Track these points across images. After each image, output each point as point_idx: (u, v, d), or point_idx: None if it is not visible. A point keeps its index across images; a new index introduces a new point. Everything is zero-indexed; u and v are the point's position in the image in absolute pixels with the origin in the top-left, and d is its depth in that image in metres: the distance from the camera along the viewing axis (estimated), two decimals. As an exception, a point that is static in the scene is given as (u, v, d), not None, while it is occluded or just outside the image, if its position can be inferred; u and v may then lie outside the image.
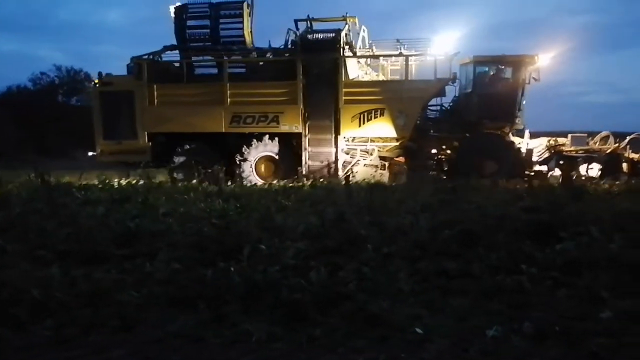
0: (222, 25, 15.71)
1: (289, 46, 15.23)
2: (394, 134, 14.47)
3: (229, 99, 14.82)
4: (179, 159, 15.16)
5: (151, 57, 15.69)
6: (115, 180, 12.10)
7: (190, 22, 15.85)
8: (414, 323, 3.53)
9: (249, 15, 15.57)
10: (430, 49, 14.80)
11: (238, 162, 14.85)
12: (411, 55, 14.73)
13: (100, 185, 11.30)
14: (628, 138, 14.96)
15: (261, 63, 15.93)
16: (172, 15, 15.82)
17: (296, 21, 15.32)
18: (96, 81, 15.78)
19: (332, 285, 4.08)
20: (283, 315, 3.64)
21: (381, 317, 3.55)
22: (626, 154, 14.56)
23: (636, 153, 14.67)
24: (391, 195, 9.65)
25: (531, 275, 4.42)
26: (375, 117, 14.40)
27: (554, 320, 3.61)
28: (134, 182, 11.75)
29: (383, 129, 14.45)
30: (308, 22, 15.26)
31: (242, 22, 15.49)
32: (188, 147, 15.29)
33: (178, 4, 15.75)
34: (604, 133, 15.13)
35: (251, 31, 15.71)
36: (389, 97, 14.34)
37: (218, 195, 9.50)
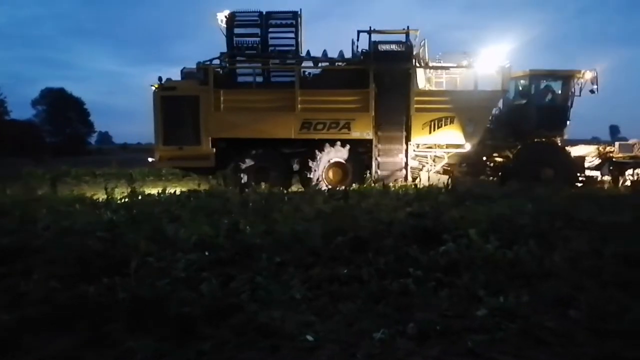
0: (271, 35, 15.73)
1: (358, 56, 15.50)
2: (463, 141, 15.11)
3: (299, 106, 14.89)
4: (246, 165, 15.02)
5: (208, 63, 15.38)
6: None
7: (238, 30, 15.77)
8: (305, 330, 3.57)
9: (300, 26, 15.65)
10: (486, 61, 15.36)
11: (310, 168, 14.90)
12: (478, 68, 15.28)
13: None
14: None
15: (330, 71, 15.73)
16: (220, 22, 15.62)
17: (359, 32, 15.63)
18: (156, 85, 15.02)
19: (224, 296, 4.02)
20: (171, 331, 3.51)
21: (272, 327, 3.55)
22: None
23: None
24: (288, 202, 9.71)
25: (416, 278, 4.65)
26: (445, 125, 15.03)
27: (435, 319, 3.80)
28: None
29: (452, 136, 15.06)
30: (369, 33, 15.40)
31: (293, 32, 15.59)
32: (255, 152, 15.08)
33: (227, 11, 15.60)
34: (632, 140, 16.74)
35: (301, 41, 15.71)
36: (459, 106, 14.97)
37: (106, 206, 9.00)
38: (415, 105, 14.94)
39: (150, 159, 15.81)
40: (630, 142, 16.86)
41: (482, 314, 3.91)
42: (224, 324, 3.64)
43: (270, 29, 15.62)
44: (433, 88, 16.38)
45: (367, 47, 15.38)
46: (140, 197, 10.23)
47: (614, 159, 16.37)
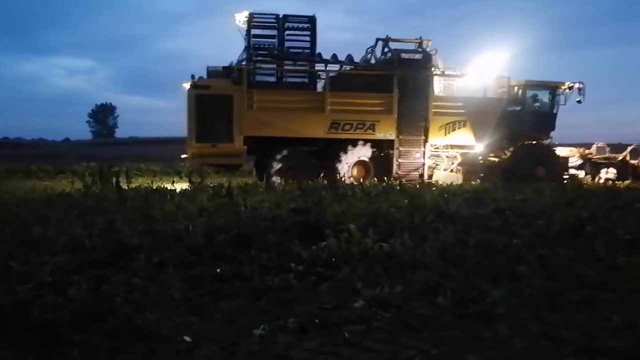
0: (288, 37, 16.45)
1: (374, 62, 16.90)
2: (473, 142, 16.88)
3: (328, 107, 15.75)
4: (277, 162, 15.58)
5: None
6: None
7: (255, 31, 16.46)
8: (183, 331, 3.49)
9: (315, 29, 16.55)
10: (486, 70, 17.11)
11: (338, 165, 15.84)
12: (488, 76, 17.03)
13: None
14: (629, 148, 18.87)
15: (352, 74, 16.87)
16: (238, 23, 16.25)
17: (377, 39, 16.93)
18: (189, 83, 15.28)
19: (95, 300, 3.81)
20: (34, 340, 3.26)
21: (148, 329, 3.43)
22: (632, 162, 18.33)
23: (634, 160, 18.49)
24: (170, 200, 9.41)
25: (298, 273, 4.74)
26: (458, 128, 16.67)
27: (315, 313, 3.90)
28: None
29: (465, 138, 16.80)
30: (385, 42, 16.87)
31: (309, 35, 16.49)
32: (287, 151, 15.67)
33: (246, 12, 16.16)
34: (600, 144, 19.12)
35: (315, 44, 16.59)
36: (471, 110, 16.57)
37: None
38: (434, 110, 16.41)
39: (183, 156, 16.27)
40: (600, 144, 19.24)
41: (359, 306, 4.08)
42: (95, 329, 3.44)
43: (287, 32, 16.42)
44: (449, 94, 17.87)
45: (383, 54, 16.81)
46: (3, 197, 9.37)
47: (592, 160, 18.65)
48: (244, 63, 16.19)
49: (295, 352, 3.28)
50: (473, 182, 16.00)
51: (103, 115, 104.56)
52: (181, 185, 12.49)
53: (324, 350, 3.31)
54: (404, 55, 16.60)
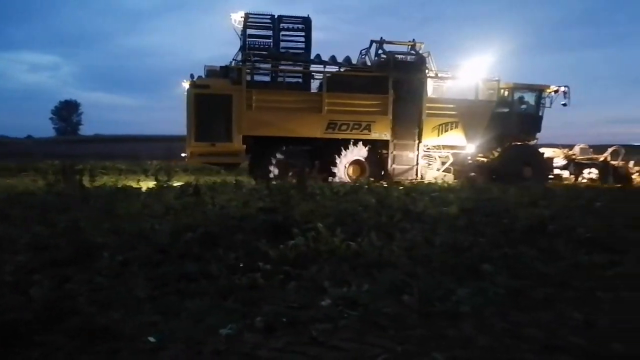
0: (283, 38, 16.79)
1: (372, 64, 17.23)
2: (465, 143, 17.51)
3: (325, 108, 16.11)
4: (276, 161, 15.94)
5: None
6: None
7: (250, 31, 16.67)
8: (148, 331, 3.43)
9: (310, 31, 16.88)
10: (474, 72, 17.63)
11: (334, 164, 16.28)
12: (478, 79, 17.57)
13: None
14: (609, 149, 19.64)
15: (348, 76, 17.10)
16: (234, 23, 16.57)
17: (371, 42, 17.30)
18: (189, 82, 15.39)
19: (57, 299, 3.71)
20: (-8, 341, 3.15)
21: (112, 329, 3.36)
22: (613, 163, 19.16)
23: (615, 161, 19.36)
24: (136, 199, 9.26)
25: (265, 272, 4.71)
26: (451, 129, 17.24)
27: (283, 312, 3.89)
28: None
29: (457, 138, 17.41)
30: (379, 44, 17.26)
31: (303, 36, 16.86)
32: (285, 150, 16.05)
33: (241, 12, 16.41)
34: (583, 145, 19.80)
35: (310, 45, 16.96)
36: (463, 112, 17.19)
37: None
38: (427, 111, 16.94)
39: (183, 155, 16.31)
40: (583, 145, 19.93)
41: (327, 304, 4.08)
42: (57, 329, 3.35)
43: (282, 32, 16.75)
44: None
45: (377, 56, 17.26)
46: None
47: (575, 161, 19.28)
48: (239, 63, 16.48)
49: (262, 351, 3.26)
50: (456, 182, 16.54)
51: (67, 112, 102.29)
52: (147, 184, 12.30)
53: (290, 349, 3.30)
54: (399, 58, 17.11)
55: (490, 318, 3.91)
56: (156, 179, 12.16)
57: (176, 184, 11.73)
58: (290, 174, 14.32)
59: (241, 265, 4.94)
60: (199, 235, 5.80)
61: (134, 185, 12.29)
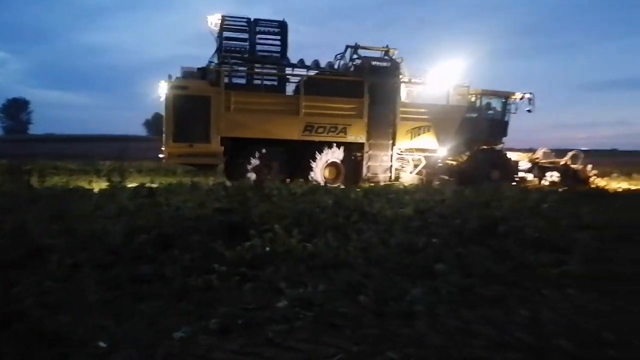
0: (259, 41, 17.00)
1: (348, 68, 17.53)
2: (437, 146, 18.01)
3: (303, 110, 16.31)
4: (253, 163, 15.99)
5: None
6: None
7: (227, 34, 16.77)
8: (99, 335, 3.35)
9: (286, 35, 17.08)
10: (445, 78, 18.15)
11: (312, 167, 16.46)
12: (449, 85, 18.12)
13: None
14: (569, 154, 20.46)
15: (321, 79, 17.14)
16: (210, 25, 16.56)
17: (346, 47, 17.66)
18: (167, 83, 15.37)
19: (3, 304, 3.57)
20: None
21: (60, 334, 3.26)
22: (573, 166, 19.94)
23: (574, 164, 20.14)
24: (88, 200, 8.99)
25: (221, 273, 4.68)
26: (423, 133, 17.79)
27: (238, 313, 3.87)
28: None
29: (429, 142, 17.96)
30: (354, 49, 17.60)
31: (279, 40, 17.06)
32: (263, 152, 16.09)
33: (218, 15, 16.45)
34: (546, 149, 20.71)
35: (286, 49, 17.13)
36: (435, 117, 17.73)
37: None
38: (401, 115, 17.42)
39: (161, 156, 16.14)
40: (546, 150, 20.83)
41: (283, 305, 4.08)
42: (3, 335, 3.23)
43: (258, 36, 17.02)
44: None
45: (351, 61, 17.60)
46: None
47: (539, 164, 20.09)
48: (215, 64, 16.54)
49: (217, 353, 3.24)
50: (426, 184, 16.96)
51: (15, 110, 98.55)
52: (100, 185, 11.96)
53: (245, 351, 3.29)
54: (374, 63, 17.49)
55: (443, 316, 4.01)
56: (109, 180, 11.85)
57: (130, 185, 11.47)
58: (268, 176, 14.46)
59: (196, 267, 4.88)
60: (153, 236, 5.70)
61: (86, 186, 11.93)
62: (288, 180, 13.27)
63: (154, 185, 11.10)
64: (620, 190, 17.39)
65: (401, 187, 14.79)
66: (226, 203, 7.58)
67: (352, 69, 17.76)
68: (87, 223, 6.47)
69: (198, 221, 6.42)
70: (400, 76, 17.66)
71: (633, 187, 19.55)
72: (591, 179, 20.32)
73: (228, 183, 12.61)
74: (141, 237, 5.66)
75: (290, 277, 4.78)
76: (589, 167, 20.80)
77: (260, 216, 6.71)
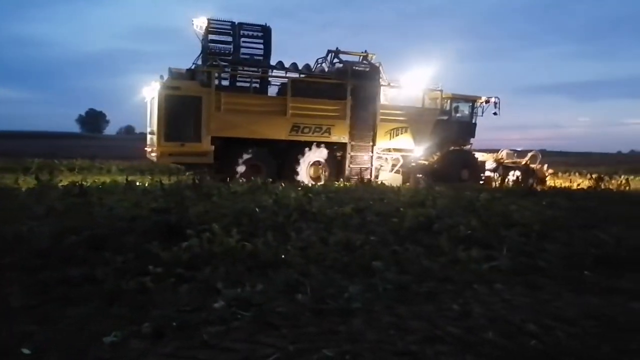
0: (243, 44, 17.42)
1: (326, 71, 18.38)
2: (413, 146, 19.07)
3: (290, 111, 16.94)
4: (242, 162, 16.45)
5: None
6: None
7: (212, 37, 17.18)
8: (23, 342, 3.19)
9: (270, 38, 17.56)
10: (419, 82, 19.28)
11: (296, 166, 17.09)
12: (423, 89, 19.20)
13: None
14: (529, 154, 21.81)
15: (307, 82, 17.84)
16: (195, 28, 17.02)
17: (328, 51, 18.56)
18: (159, 83, 15.67)
19: None
20: None
21: (-20, 343, 3.09)
22: (532, 166, 21.26)
23: (533, 164, 21.47)
24: (14, 200, 8.55)
25: (156, 275, 4.55)
26: (401, 133, 18.79)
27: (173, 316, 3.78)
28: None
29: (406, 142, 18.99)
30: (334, 53, 18.50)
31: (262, 44, 17.56)
32: (252, 151, 16.59)
33: (203, 18, 16.86)
34: (509, 150, 22.11)
35: (270, 52, 17.62)
36: (411, 118, 18.83)
37: None
38: (380, 117, 18.33)
39: (153, 154, 16.51)
40: (509, 150, 22.12)
41: (219, 306, 4.02)
42: None
43: (242, 39, 17.44)
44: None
45: (332, 64, 18.52)
46: None
47: (503, 164, 21.24)
48: (201, 66, 16.95)
49: (149, 358, 3.16)
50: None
51: None
52: (27, 184, 11.41)
53: (180, 354, 3.22)
54: (356, 67, 18.38)
55: (379, 313, 4.08)
56: (37, 178, 11.31)
57: (61, 183, 10.99)
58: (258, 175, 15.01)
59: (130, 269, 4.73)
60: (84, 237, 5.49)
61: (12, 184, 11.33)
62: (270, 180, 13.54)
63: (86, 184, 10.68)
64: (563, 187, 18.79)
65: (341, 185, 14.95)
66: (163, 203, 7.41)
67: (334, 72, 18.57)
68: (11, 224, 6.15)
69: (133, 221, 6.24)
70: (380, 79, 18.56)
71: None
72: (547, 178, 21.97)
73: (165, 182, 12.32)
74: (71, 238, 5.45)
75: (228, 277, 4.73)
76: (546, 166, 22.42)
77: (198, 216, 6.61)
